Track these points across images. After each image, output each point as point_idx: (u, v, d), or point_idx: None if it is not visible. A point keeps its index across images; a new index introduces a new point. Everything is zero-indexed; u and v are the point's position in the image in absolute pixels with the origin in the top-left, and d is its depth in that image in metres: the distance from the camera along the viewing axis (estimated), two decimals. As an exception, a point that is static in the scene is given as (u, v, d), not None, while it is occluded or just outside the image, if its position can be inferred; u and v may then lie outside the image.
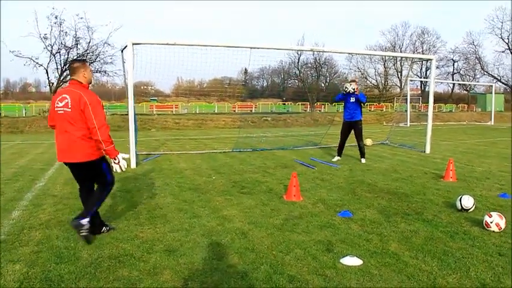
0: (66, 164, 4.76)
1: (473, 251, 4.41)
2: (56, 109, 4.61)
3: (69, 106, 4.49)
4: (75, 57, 25.99)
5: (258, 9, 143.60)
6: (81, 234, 4.46)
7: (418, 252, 4.37)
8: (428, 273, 3.84)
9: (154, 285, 3.59)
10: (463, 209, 5.94)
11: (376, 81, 65.58)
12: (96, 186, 4.88)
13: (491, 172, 9.40)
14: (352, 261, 4.07)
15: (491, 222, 5.08)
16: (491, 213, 5.20)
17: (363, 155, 11.05)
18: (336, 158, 11.16)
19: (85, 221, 4.48)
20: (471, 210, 5.92)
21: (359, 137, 10.87)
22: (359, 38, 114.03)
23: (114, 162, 4.67)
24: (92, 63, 27.08)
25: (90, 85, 4.84)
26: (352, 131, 10.90)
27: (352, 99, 10.65)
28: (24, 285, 3.58)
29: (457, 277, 3.77)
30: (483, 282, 3.66)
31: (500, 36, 60.73)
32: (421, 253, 4.35)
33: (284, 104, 50.80)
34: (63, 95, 4.58)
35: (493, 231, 5.02)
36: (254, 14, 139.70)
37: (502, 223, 5.05)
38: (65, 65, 26.51)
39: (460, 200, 6.01)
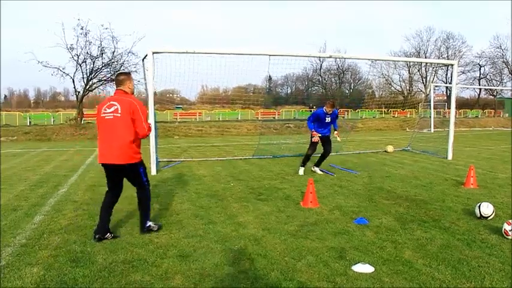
0: (107, 165, 5.02)
1: (489, 260, 4.33)
2: (102, 115, 4.95)
3: (119, 112, 4.86)
4: (120, 70, 26.55)
5: (280, 14, 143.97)
6: (154, 230, 5.31)
7: (432, 260, 4.32)
8: (440, 282, 3.79)
9: (165, 289, 3.64)
10: (482, 217, 5.84)
11: (401, 87, 64.93)
12: (137, 192, 5.36)
13: (514, 179, 9.20)
14: (363, 268, 4.05)
15: (510, 230, 4.98)
16: (511, 220, 5.09)
17: (319, 163, 10.35)
18: (302, 170, 10.16)
19: (149, 223, 5.31)
20: (490, 217, 5.81)
21: (329, 145, 10.21)
22: (383, 44, 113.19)
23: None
24: (117, 71, 27.53)
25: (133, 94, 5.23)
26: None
27: (328, 119, 10.01)
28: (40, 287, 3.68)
29: (470, 286, 3.71)
30: (497, 291, 3.60)
31: (528, 39, 59.36)
32: (435, 261, 4.30)
33: (311, 110, 50.54)
34: (112, 102, 4.95)
35: (512, 239, 4.93)
36: (274, 20, 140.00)
37: (522, 231, 4.94)
38: (90, 74, 27.05)
39: (479, 207, 5.91)
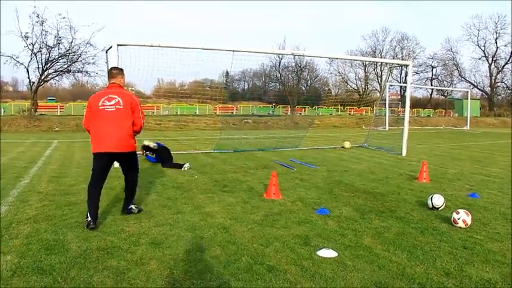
0: (108, 154, 5.30)
1: (440, 245, 4.73)
2: (102, 107, 5.23)
3: (121, 104, 5.25)
4: (78, 62, 26.07)
5: (239, 9, 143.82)
6: (135, 212, 5.76)
7: (390, 246, 4.67)
8: (398, 264, 4.13)
9: (141, 273, 3.80)
10: (433, 207, 6.28)
11: (357, 85, 66.51)
12: (129, 176, 5.79)
13: (462, 174, 9.83)
14: (327, 253, 4.34)
15: (458, 219, 5.41)
16: (459, 210, 5.54)
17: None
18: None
19: (132, 206, 5.77)
20: (441, 208, 6.26)
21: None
22: (340, 43, 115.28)
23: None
24: (73, 63, 26.94)
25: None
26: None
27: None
28: (17, 274, 3.75)
29: (424, 267, 4.07)
30: (447, 271, 3.97)
31: (476, 43, 62.47)
32: (392, 246, 4.66)
33: (273, 106, 50.65)
34: (111, 96, 5.29)
35: (460, 227, 5.36)
36: (235, 14, 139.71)
37: (469, 220, 5.39)
38: (46, 64, 26.31)
39: (431, 199, 6.36)
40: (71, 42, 26.47)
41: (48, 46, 25.99)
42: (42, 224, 5.26)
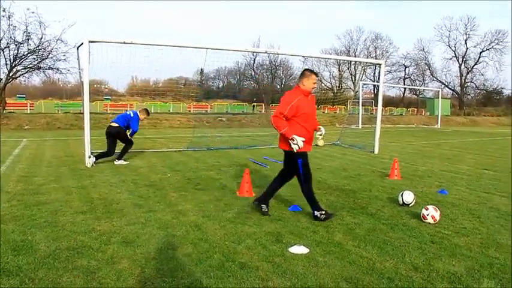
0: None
1: (409, 240, 4.82)
2: None
3: None
4: (48, 58, 25.36)
5: (213, 8, 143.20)
6: (325, 219, 5.49)
7: (361, 242, 4.74)
8: (368, 260, 4.20)
9: (112, 272, 3.76)
10: (404, 204, 6.40)
11: (331, 84, 67.04)
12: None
13: (433, 171, 10.03)
14: (299, 249, 4.38)
15: (427, 215, 5.53)
16: (428, 206, 5.66)
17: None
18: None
19: (317, 213, 5.54)
20: (411, 204, 6.38)
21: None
22: (315, 41, 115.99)
23: (292, 143, 5.49)
24: (44, 59, 26.37)
25: (308, 92, 5.70)
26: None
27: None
28: (-18, 275, 3.67)
29: (393, 262, 4.15)
30: (416, 265, 4.06)
31: (447, 44, 63.85)
32: (363, 242, 4.72)
33: (254, 105, 50.45)
34: None
35: (429, 222, 5.48)
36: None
37: (437, 215, 5.51)
38: (14, 60, 25.67)
39: (402, 195, 6.48)
40: (41, 38, 25.91)
41: (17, 42, 25.39)
42: (10, 224, 5.14)
